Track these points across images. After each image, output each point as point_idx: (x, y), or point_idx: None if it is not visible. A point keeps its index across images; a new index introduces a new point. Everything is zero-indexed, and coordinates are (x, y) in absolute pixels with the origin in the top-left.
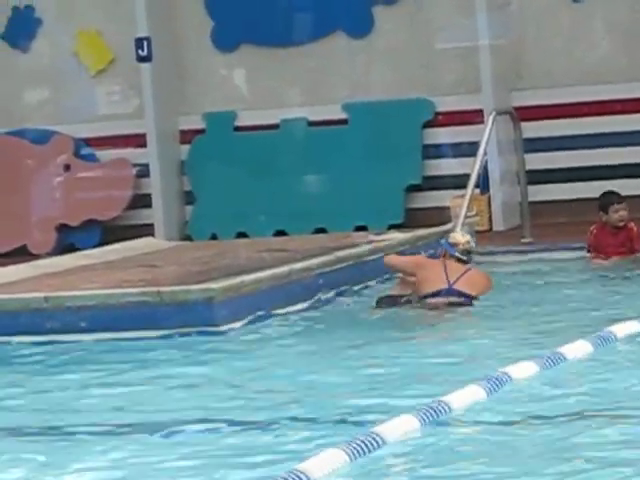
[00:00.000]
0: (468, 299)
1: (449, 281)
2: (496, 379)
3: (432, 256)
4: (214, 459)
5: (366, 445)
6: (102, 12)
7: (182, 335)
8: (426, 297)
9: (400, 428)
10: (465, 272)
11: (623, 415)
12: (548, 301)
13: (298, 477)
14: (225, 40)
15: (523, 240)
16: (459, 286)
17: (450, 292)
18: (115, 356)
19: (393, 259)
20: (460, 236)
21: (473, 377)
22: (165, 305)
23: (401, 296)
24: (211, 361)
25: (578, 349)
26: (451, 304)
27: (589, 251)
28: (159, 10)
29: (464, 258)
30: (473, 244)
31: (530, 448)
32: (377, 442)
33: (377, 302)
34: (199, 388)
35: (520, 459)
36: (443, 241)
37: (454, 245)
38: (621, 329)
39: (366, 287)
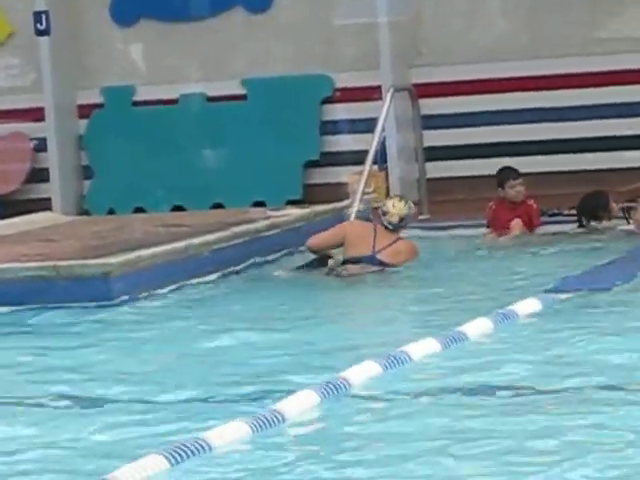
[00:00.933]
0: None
1: (374, 249)
2: (395, 356)
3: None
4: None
5: (268, 420)
6: None
7: (79, 309)
8: (347, 262)
9: (300, 404)
10: (393, 242)
11: (524, 391)
12: (447, 278)
13: (200, 445)
14: (124, 14)
15: (421, 216)
16: (383, 256)
17: (372, 260)
18: (10, 329)
19: (315, 240)
20: (390, 205)
21: (373, 353)
22: (62, 279)
23: (326, 257)
24: (105, 335)
25: (479, 327)
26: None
27: (488, 226)
28: None
29: (390, 227)
30: (406, 211)
31: (424, 425)
32: (278, 418)
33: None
34: (94, 361)
35: (416, 435)
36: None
37: (384, 213)
38: (520, 307)
39: (264, 262)
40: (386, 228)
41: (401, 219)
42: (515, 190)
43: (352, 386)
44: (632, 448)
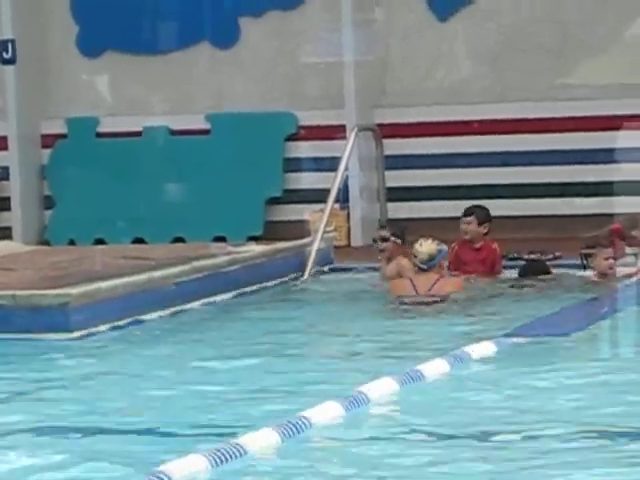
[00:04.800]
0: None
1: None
2: (354, 397)
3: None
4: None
5: (228, 454)
6: None
7: (35, 340)
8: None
9: (261, 440)
10: (435, 282)
11: (478, 435)
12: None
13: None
14: (90, 45)
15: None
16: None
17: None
18: None
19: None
20: (418, 245)
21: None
22: (20, 309)
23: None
24: (60, 366)
25: (436, 368)
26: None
27: (449, 268)
28: (24, 13)
29: (424, 267)
30: (435, 247)
31: (381, 466)
32: (239, 452)
33: None
34: (48, 394)
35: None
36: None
37: (415, 256)
38: (476, 349)
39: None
40: (420, 269)
41: (431, 256)
42: (461, 228)
43: (312, 425)
44: None
